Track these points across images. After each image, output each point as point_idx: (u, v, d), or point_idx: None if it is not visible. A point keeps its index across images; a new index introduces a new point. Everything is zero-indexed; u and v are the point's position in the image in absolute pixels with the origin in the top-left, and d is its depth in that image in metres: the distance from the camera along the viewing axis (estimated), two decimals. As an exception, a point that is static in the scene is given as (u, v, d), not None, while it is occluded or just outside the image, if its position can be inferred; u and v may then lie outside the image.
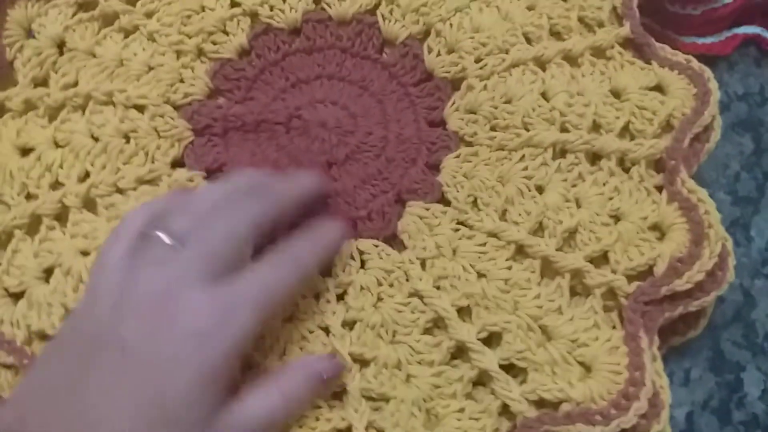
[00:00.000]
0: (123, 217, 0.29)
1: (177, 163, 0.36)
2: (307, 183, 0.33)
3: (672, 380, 0.32)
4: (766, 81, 0.41)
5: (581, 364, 0.30)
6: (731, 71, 0.42)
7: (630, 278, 0.32)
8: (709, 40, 0.42)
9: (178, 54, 0.38)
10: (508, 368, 0.31)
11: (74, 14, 0.39)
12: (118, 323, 0.25)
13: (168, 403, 0.24)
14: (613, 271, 0.32)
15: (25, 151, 0.36)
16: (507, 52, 0.36)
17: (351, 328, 0.32)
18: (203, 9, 0.38)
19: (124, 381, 0.24)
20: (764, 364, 0.35)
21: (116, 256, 0.27)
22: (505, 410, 0.30)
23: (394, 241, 0.34)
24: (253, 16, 0.39)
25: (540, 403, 0.30)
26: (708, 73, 0.35)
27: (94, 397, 0.24)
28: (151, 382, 0.25)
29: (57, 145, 0.36)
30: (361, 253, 0.34)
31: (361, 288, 0.33)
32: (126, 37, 0.38)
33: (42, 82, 0.38)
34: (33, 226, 0.34)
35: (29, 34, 0.38)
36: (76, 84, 0.37)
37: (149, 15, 0.39)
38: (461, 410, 0.30)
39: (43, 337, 0.32)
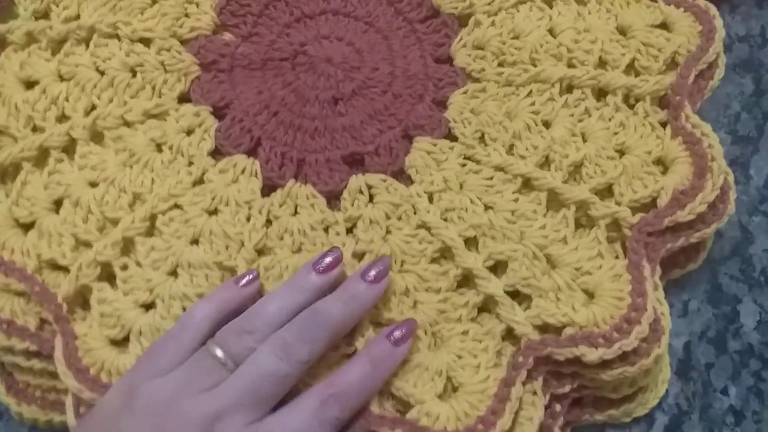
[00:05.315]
0: (190, 312, 0.29)
1: (183, 98, 0.36)
2: (367, 300, 0.30)
3: (671, 312, 0.33)
4: (767, 22, 0.42)
5: (585, 291, 0.31)
6: (733, 13, 0.42)
7: (634, 210, 0.32)
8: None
9: (182, -12, 0.37)
10: (513, 297, 0.31)
11: (74, -54, 0.38)
12: None
13: None
14: (618, 204, 0.32)
15: (29, 84, 0.36)
16: (514, -13, 0.36)
17: (360, 259, 0.32)
18: (207, -58, 0.38)
19: None
20: (760, 297, 0.36)
21: (170, 361, 0.28)
22: (509, 335, 0.31)
23: (401, 176, 0.35)
24: (258, -51, 0.38)
25: (544, 329, 0.30)
26: (713, 10, 0.36)
27: None
28: None
29: (62, 79, 0.36)
30: (369, 187, 0.34)
31: (371, 221, 0.33)
32: (128, -30, 0.38)
33: (43, 15, 0.37)
34: (41, 158, 0.34)
35: (29, -34, 0.38)
36: (78, 17, 0.37)
37: (151, -52, 0.38)
38: (465, 332, 0.30)
39: (54, 266, 0.32)
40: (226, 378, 0.27)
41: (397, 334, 0.29)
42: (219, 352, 0.28)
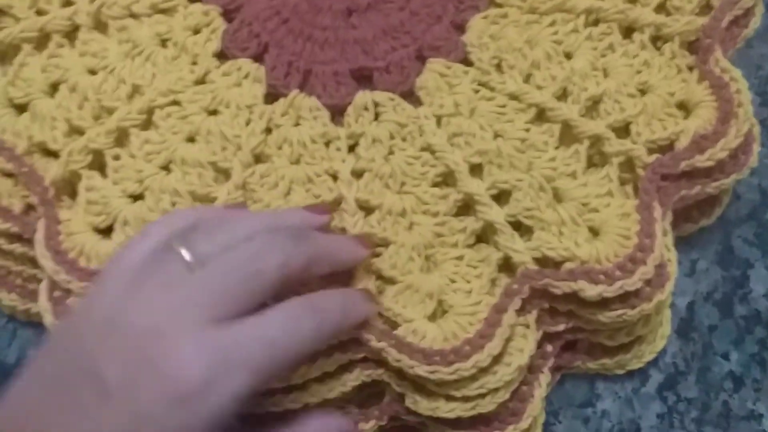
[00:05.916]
0: (146, 227, 0.26)
1: (194, -3, 0.35)
2: (354, 252, 0.28)
3: (678, 269, 0.31)
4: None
5: (590, 228, 0.29)
6: (778, -27, 0.40)
7: (650, 151, 0.31)
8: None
9: None
10: (515, 230, 0.30)
11: None
12: (101, 358, 0.22)
13: None
14: (634, 143, 0.31)
15: (37, -32, 0.35)
16: None
17: (360, 177, 0.31)
18: None
19: (99, 427, 0.22)
20: (774, 263, 0.34)
21: (129, 264, 0.24)
22: (506, 266, 0.29)
23: (410, 97, 0.33)
24: None
25: (543, 264, 0.29)
26: (756, -46, 0.34)
27: None
28: None
29: (71, -35, 0.34)
30: (375, 104, 0.32)
31: (374, 140, 0.32)
32: None
33: None
34: (42, 42, 0.33)
35: None
36: None
37: None
38: (460, 258, 0.29)
39: (44, 150, 0.31)
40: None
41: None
42: (185, 254, 0.23)
